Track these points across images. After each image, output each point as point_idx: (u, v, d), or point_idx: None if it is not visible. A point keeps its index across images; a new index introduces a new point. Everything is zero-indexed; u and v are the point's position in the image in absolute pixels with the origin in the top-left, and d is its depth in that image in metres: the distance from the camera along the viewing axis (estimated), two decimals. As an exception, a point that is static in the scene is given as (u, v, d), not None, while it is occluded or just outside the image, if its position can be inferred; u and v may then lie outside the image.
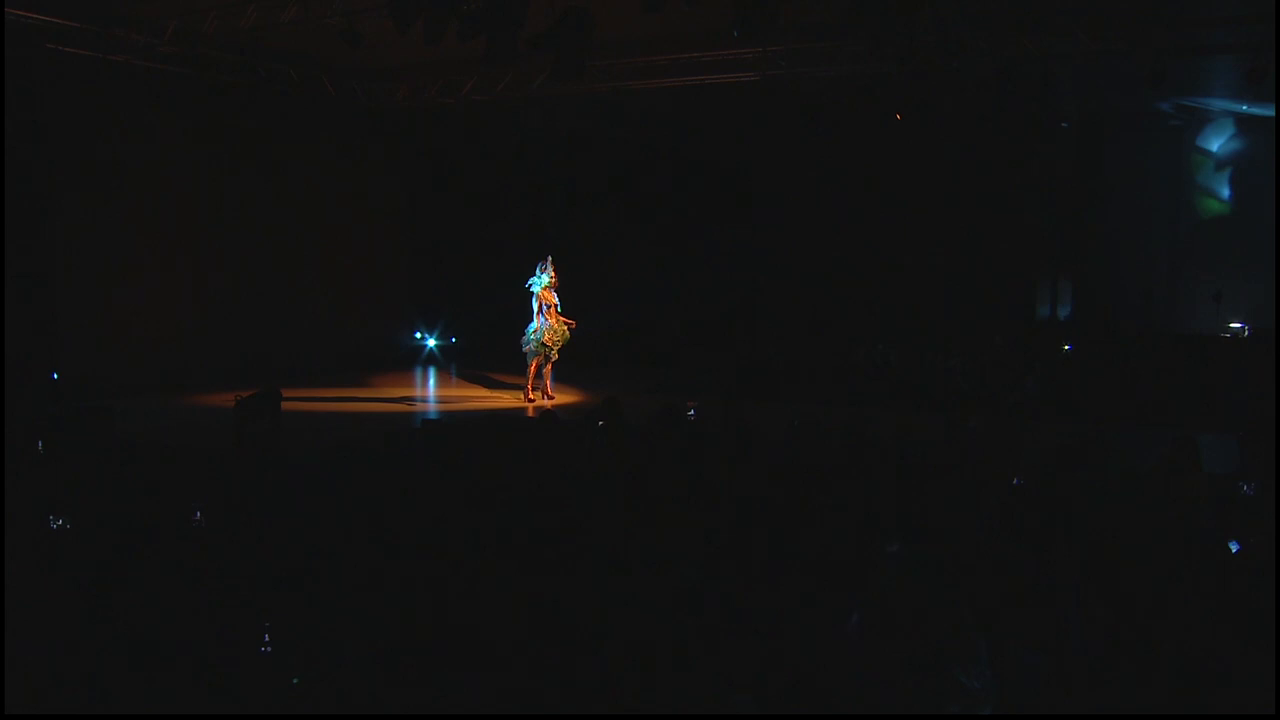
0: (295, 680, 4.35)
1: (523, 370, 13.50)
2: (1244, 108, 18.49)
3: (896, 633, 4.76)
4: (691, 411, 9.84)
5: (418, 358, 19.10)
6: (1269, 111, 17.25)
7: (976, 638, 4.47)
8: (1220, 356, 15.94)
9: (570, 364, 13.84)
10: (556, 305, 13.21)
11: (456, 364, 18.39)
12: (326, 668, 4.54)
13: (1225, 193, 19.78)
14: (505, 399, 13.93)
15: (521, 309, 13.33)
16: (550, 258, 13.31)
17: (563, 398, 13.71)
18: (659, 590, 6.02)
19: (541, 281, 13.17)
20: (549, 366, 13.40)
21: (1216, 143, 19.70)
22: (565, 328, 13.23)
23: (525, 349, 13.26)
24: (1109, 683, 4.69)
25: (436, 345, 19.41)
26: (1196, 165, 19.90)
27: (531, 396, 13.37)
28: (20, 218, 13.00)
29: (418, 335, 19.40)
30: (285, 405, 9.97)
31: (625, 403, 9.30)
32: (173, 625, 4.93)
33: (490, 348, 16.73)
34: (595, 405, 11.27)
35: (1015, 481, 5.58)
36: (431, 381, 16.95)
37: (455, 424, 11.38)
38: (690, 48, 14.34)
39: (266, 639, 4.48)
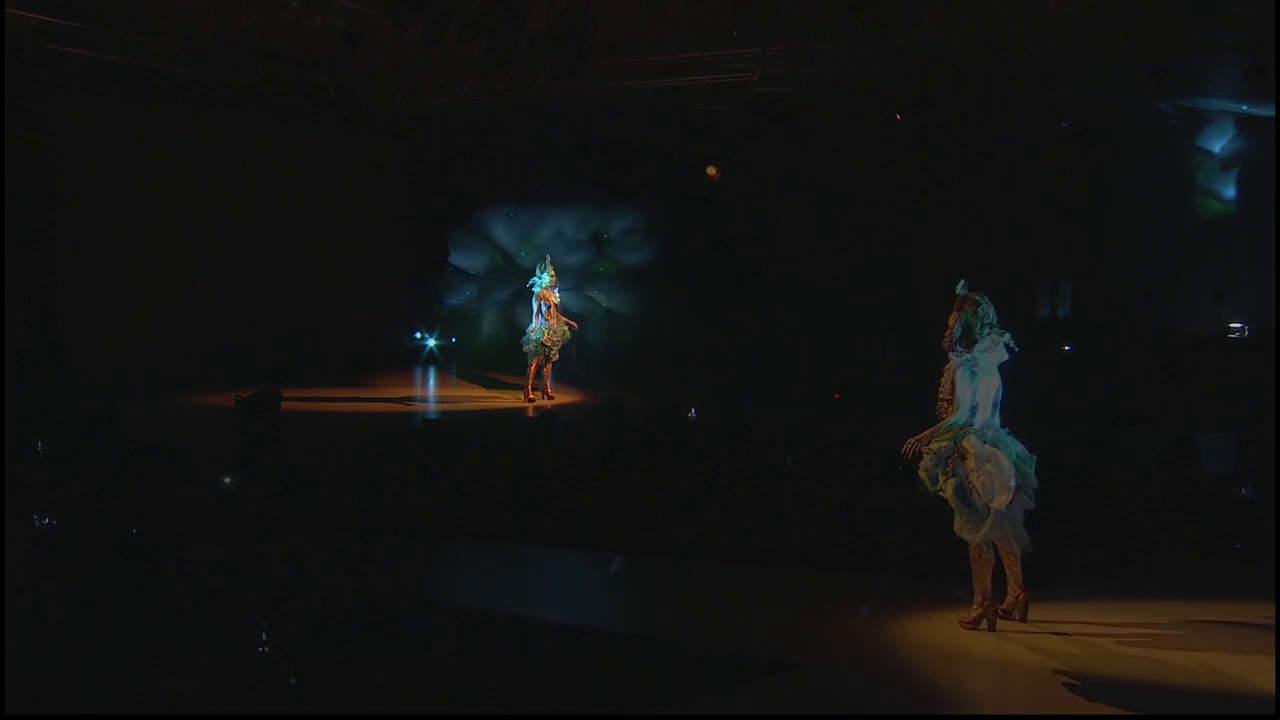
0: (293, 680, 4.36)
1: (523, 370, 13.50)
2: (1244, 108, 18.46)
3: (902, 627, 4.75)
4: (692, 411, 9.84)
5: (418, 358, 19.08)
6: (1269, 111, 17.22)
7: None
8: (1220, 356, 15.92)
9: (571, 364, 13.83)
10: (557, 305, 13.22)
11: (456, 364, 18.38)
12: (325, 667, 4.54)
13: (1227, 193, 19.75)
14: (505, 399, 13.92)
15: (521, 309, 13.32)
16: (549, 257, 13.30)
17: (563, 398, 13.71)
18: (660, 587, 6.01)
19: (542, 281, 13.18)
20: (549, 366, 13.40)
21: (1217, 143, 19.67)
22: (565, 328, 13.23)
23: (525, 349, 13.26)
24: (1109, 681, 4.69)
25: (436, 345, 19.39)
26: (1197, 165, 19.86)
27: (531, 396, 13.36)
28: (21, 217, 12.99)
29: (418, 335, 19.38)
30: (285, 405, 9.97)
31: (625, 403, 9.30)
32: (171, 624, 4.93)
33: (490, 348, 16.72)
34: (595, 405, 11.26)
35: (1013, 483, 5.61)
36: (431, 381, 16.94)
37: (455, 424, 11.38)
38: (690, 48, 14.33)
39: (265, 638, 4.49)
